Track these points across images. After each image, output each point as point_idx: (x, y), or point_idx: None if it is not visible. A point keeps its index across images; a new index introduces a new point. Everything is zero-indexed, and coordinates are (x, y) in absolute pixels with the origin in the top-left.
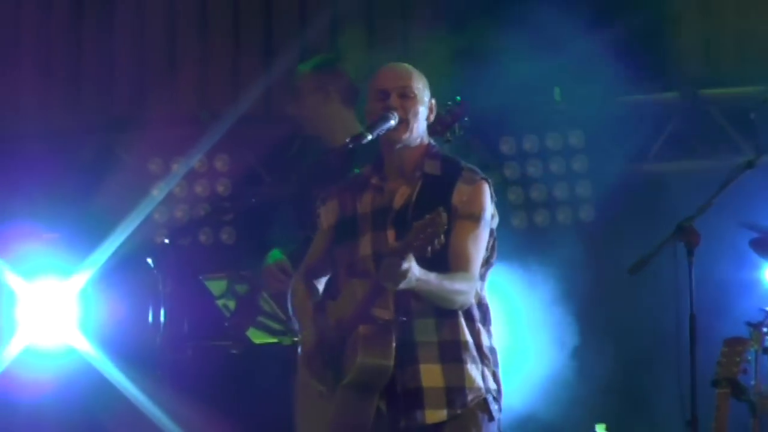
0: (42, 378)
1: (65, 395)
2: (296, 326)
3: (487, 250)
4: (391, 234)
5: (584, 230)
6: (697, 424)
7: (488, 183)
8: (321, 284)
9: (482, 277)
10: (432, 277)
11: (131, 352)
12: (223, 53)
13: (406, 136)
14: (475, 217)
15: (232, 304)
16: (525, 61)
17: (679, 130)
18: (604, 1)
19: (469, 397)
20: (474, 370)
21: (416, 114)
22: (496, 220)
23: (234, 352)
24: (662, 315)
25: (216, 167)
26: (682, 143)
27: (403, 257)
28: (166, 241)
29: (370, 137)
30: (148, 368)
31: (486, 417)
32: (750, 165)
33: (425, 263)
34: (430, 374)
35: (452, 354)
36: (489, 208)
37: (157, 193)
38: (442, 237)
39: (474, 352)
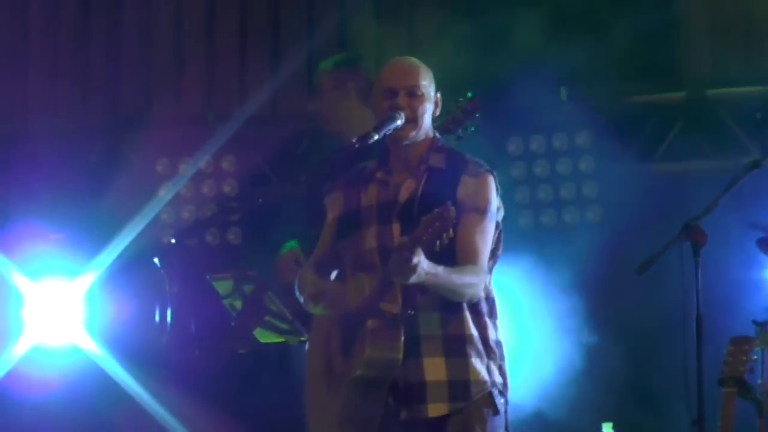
0: (48, 377)
1: (71, 394)
2: (318, 310)
3: (493, 242)
4: (396, 228)
5: (591, 230)
6: (703, 423)
7: (493, 175)
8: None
9: (489, 270)
10: (441, 271)
11: (138, 351)
12: (230, 54)
13: (413, 134)
14: (481, 210)
15: (238, 304)
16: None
17: (686, 130)
18: (611, 0)
19: (473, 391)
20: (479, 364)
21: (424, 112)
22: (502, 212)
23: (241, 351)
24: (669, 314)
25: (223, 168)
26: (688, 143)
27: (411, 252)
28: (173, 241)
29: (376, 137)
30: (155, 368)
31: (491, 411)
32: (756, 165)
33: (433, 256)
34: (434, 368)
35: (457, 348)
36: (495, 201)
37: (164, 193)
38: (451, 231)
39: (480, 346)
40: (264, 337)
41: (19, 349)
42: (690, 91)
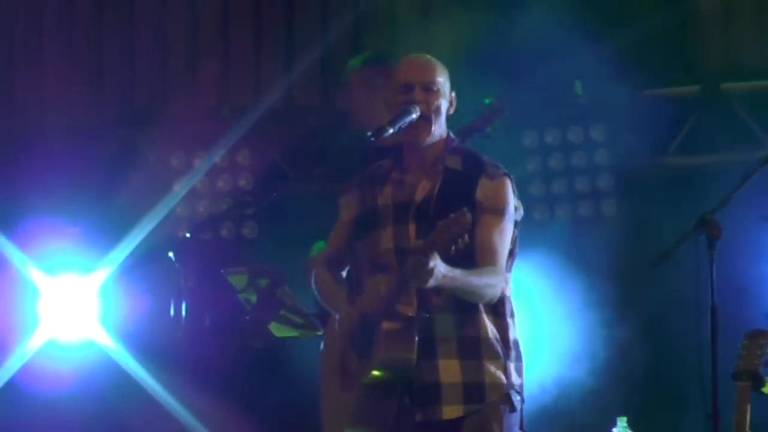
0: (63, 371)
1: (86, 388)
2: (331, 310)
3: (511, 242)
4: (412, 228)
5: (606, 224)
6: (718, 417)
7: (510, 178)
8: (341, 276)
9: (508, 269)
10: (458, 274)
11: (153, 346)
12: (244, 48)
13: (427, 130)
14: (500, 211)
15: (253, 298)
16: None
17: (701, 124)
18: None
19: (489, 394)
20: (495, 366)
21: (438, 108)
22: (521, 212)
23: (256, 346)
24: (683, 308)
25: (238, 162)
26: (703, 137)
27: (428, 255)
28: (188, 235)
29: (391, 131)
30: (169, 362)
31: (507, 408)
32: None
33: (451, 258)
34: (449, 370)
35: (471, 350)
36: (512, 202)
37: (179, 188)
38: (467, 236)
39: (498, 347)
40: (279, 331)
41: (35, 343)
42: (705, 85)
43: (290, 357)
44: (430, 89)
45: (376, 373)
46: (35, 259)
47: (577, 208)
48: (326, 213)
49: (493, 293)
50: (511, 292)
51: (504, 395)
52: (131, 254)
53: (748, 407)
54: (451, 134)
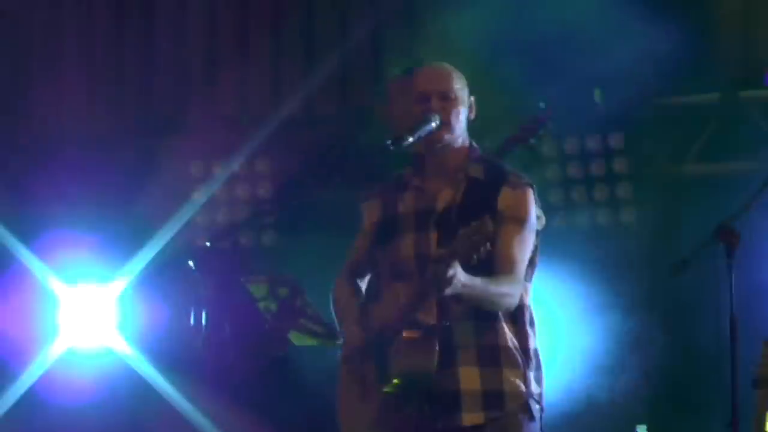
0: (82, 380)
1: (105, 396)
2: (337, 325)
3: (531, 251)
4: (433, 236)
5: (624, 232)
6: (737, 425)
7: (533, 188)
8: (364, 283)
9: (529, 279)
10: (478, 282)
11: (172, 354)
12: (263, 57)
13: (448, 137)
14: (521, 221)
15: (273, 307)
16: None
17: (720, 132)
18: (646, 3)
19: (509, 402)
20: (514, 375)
21: (458, 115)
22: (543, 221)
23: (276, 354)
24: (703, 316)
25: (257, 170)
26: (722, 145)
27: (448, 264)
28: (208, 244)
29: (411, 139)
30: (188, 370)
31: (526, 417)
32: None
33: (470, 267)
34: (469, 377)
35: (491, 358)
36: (534, 212)
37: (199, 196)
38: (488, 245)
39: (517, 356)
40: (299, 339)
41: (54, 352)
42: (723, 93)
43: (309, 366)
44: (447, 97)
45: (396, 381)
46: (55, 268)
47: (596, 216)
48: (345, 221)
49: (511, 302)
50: (531, 301)
51: (523, 404)
52: (150, 263)
53: None
54: (474, 143)
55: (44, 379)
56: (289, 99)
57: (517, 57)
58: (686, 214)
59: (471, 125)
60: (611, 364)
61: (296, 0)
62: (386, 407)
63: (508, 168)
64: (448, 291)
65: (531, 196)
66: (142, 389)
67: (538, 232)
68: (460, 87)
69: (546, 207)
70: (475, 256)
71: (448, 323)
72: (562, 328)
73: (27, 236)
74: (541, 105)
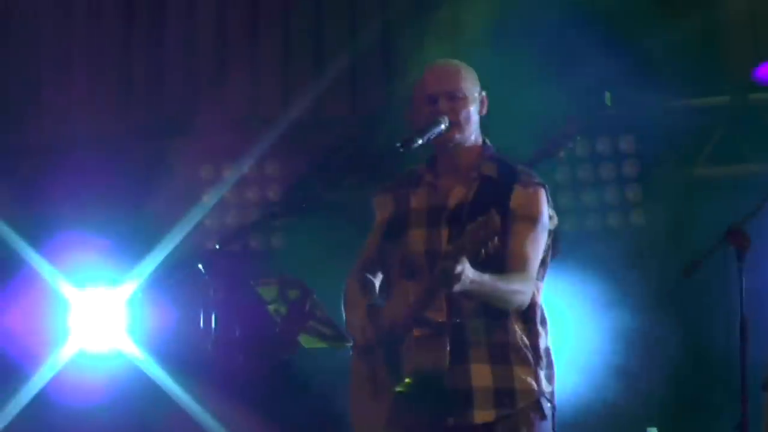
0: (93, 382)
1: (115, 398)
2: (346, 322)
3: (544, 250)
4: (444, 232)
5: (635, 234)
6: (747, 428)
7: (545, 188)
8: (378, 280)
9: (540, 278)
10: (486, 279)
11: (182, 357)
12: (273, 58)
13: (458, 137)
14: (533, 220)
15: (283, 310)
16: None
17: (730, 134)
18: (655, 6)
19: (520, 399)
20: (525, 373)
21: (467, 114)
22: (555, 220)
23: (285, 357)
24: (712, 318)
25: (267, 173)
26: (732, 147)
27: (456, 260)
28: (217, 246)
29: (420, 141)
30: (198, 373)
31: (538, 416)
32: None
33: (481, 265)
34: (480, 374)
35: (501, 356)
36: (546, 212)
37: (208, 199)
38: (496, 240)
39: (528, 354)
40: (309, 342)
41: (64, 354)
42: (733, 95)
43: (319, 368)
44: (455, 97)
45: (407, 380)
46: (65, 271)
47: (607, 218)
48: (355, 223)
49: (522, 300)
50: (542, 300)
51: (534, 402)
52: (160, 266)
53: None
54: (487, 141)
55: (55, 381)
56: (298, 101)
57: (527, 59)
58: (696, 216)
59: (483, 123)
60: (621, 365)
61: (306, 2)
62: (398, 406)
63: (521, 167)
64: (457, 287)
65: (543, 196)
66: (152, 391)
67: (550, 232)
68: (469, 85)
69: (556, 209)
70: (483, 251)
71: (458, 321)
72: (573, 329)
73: (37, 239)
74: (567, 120)
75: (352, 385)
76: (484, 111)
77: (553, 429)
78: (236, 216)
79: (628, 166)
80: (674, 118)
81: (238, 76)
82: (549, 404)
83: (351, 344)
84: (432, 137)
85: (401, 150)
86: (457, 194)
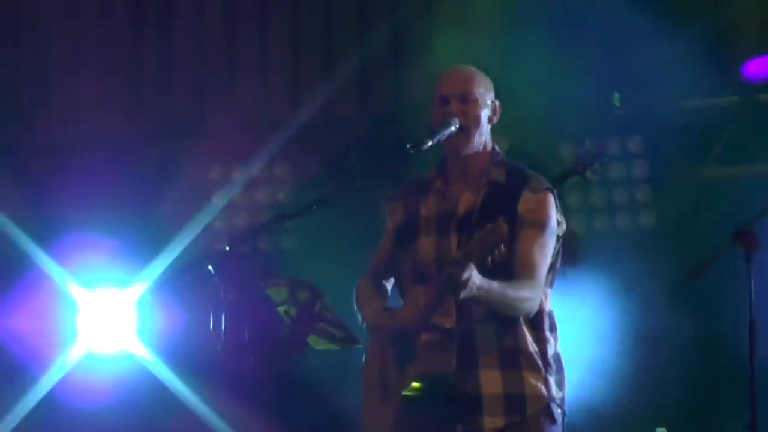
0: (101, 383)
1: (123, 400)
2: (362, 324)
3: (552, 256)
4: (454, 240)
5: (644, 235)
6: (756, 427)
7: (553, 193)
8: (389, 284)
9: (549, 284)
10: (494, 286)
11: (191, 358)
12: (282, 59)
13: (467, 142)
14: (541, 225)
15: (293, 312)
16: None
17: (739, 134)
18: (664, 7)
19: (530, 406)
20: (535, 379)
21: (477, 118)
22: (563, 226)
23: (295, 358)
24: (722, 319)
25: (276, 174)
26: (741, 147)
27: (463, 267)
28: (227, 248)
29: (430, 143)
30: (207, 375)
31: (548, 421)
32: None
33: (489, 271)
34: (490, 380)
35: (512, 361)
36: (554, 217)
37: (218, 200)
38: (503, 247)
39: (537, 361)
40: (319, 344)
41: (73, 356)
42: (743, 96)
43: (328, 371)
44: (467, 100)
45: (416, 385)
46: (74, 273)
47: (616, 219)
48: (365, 224)
49: (530, 307)
50: (551, 306)
51: (544, 407)
52: (169, 267)
53: None
54: (497, 147)
55: (63, 383)
56: (308, 102)
57: (536, 60)
58: (706, 217)
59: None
60: (631, 366)
61: (315, 4)
62: (406, 410)
63: (530, 172)
64: (464, 294)
65: (552, 201)
66: (161, 393)
67: (558, 238)
68: (482, 90)
69: (565, 210)
70: (490, 258)
71: (467, 326)
72: (581, 330)
73: (46, 240)
74: (587, 143)
75: (363, 388)
76: (496, 119)
77: None
78: (246, 217)
79: (637, 167)
80: (683, 118)
81: (247, 77)
82: (559, 410)
83: (360, 346)
84: (442, 139)
85: (411, 152)
86: (467, 201)
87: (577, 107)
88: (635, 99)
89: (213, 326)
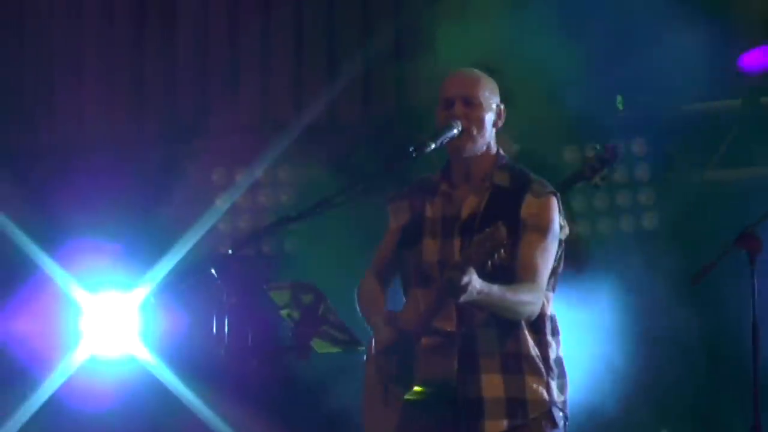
0: (104, 387)
1: (127, 403)
2: (365, 321)
3: (555, 260)
4: (457, 243)
5: (647, 238)
6: (760, 429)
7: (557, 197)
8: (390, 284)
9: (552, 288)
10: (495, 290)
11: (194, 362)
12: (286, 63)
13: (469, 145)
14: (544, 230)
15: (296, 315)
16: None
17: (741, 137)
18: (666, 10)
19: (531, 410)
20: (537, 383)
21: (480, 122)
22: (566, 230)
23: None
24: (725, 321)
25: (280, 177)
26: (744, 150)
27: (463, 271)
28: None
29: (433, 146)
30: (211, 378)
31: (549, 425)
32: None
33: (490, 275)
34: (491, 384)
35: (514, 365)
36: (557, 221)
37: (221, 203)
38: (503, 251)
39: (539, 365)
40: (322, 347)
41: (77, 359)
42: (745, 98)
43: (331, 374)
44: (470, 103)
45: (417, 389)
46: (77, 276)
47: (619, 222)
48: (368, 228)
49: (531, 311)
50: (554, 311)
51: (546, 411)
52: (172, 271)
53: None
54: (501, 150)
55: (67, 386)
56: (311, 105)
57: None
58: (709, 219)
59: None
60: (634, 367)
61: (318, 6)
62: (408, 414)
63: (533, 176)
64: (464, 298)
65: (554, 205)
66: (164, 397)
67: (561, 242)
68: (487, 94)
69: (568, 214)
70: (490, 262)
71: (468, 330)
72: (585, 333)
73: (49, 244)
74: (597, 147)
75: (365, 391)
76: (500, 124)
77: None
78: (249, 220)
79: (640, 170)
80: (686, 121)
81: (250, 79)
82: (561, 414)
83: (363, 349)
84: (444, 142)
85: (414, 155)
86: (470, 204)
87: (580, 110)
88: (638, 102)
89: (216, 329)
